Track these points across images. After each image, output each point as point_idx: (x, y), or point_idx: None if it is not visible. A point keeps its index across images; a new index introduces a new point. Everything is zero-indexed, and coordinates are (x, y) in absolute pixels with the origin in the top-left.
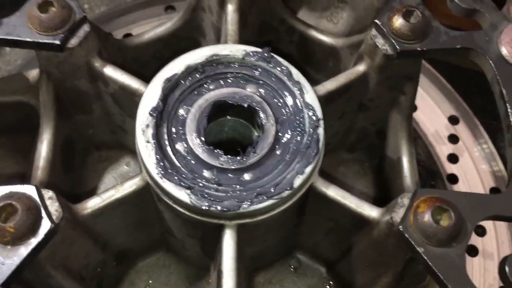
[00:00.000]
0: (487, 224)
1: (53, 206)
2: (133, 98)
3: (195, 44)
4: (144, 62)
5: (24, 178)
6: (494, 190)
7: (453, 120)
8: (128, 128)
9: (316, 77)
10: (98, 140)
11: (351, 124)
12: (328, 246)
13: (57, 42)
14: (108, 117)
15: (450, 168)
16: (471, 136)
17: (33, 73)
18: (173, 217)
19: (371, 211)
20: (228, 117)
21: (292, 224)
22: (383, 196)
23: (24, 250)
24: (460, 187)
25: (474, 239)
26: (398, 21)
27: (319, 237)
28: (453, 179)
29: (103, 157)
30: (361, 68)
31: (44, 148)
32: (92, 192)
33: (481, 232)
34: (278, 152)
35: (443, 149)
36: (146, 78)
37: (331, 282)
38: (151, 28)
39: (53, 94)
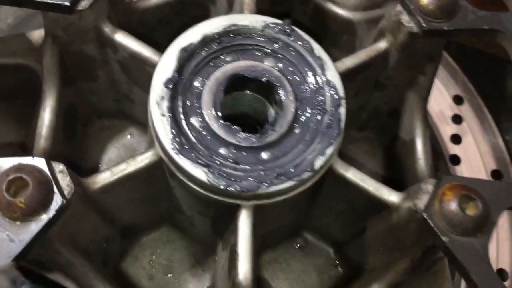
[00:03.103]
0: None
1: (65, 180)
2: (144, 66)
3: (204, 10)
4: (151, 26)
5: (23, 147)
6: (495, 173)
7: (457, 100)
8: (135, 97)
9: (329, 51)
10: (100, 108)
11: (364, 102)
12: (339, 227)
13: (67, 3)
14: (114, 85)
15: (453, 149)
16: (475, 117)
17: (35, 35)
18: (185, 195)
19: (390, 196)
20: (246, 91)
21: (306, 205)
22: (391, 175)
23: (34, 227)
24: (462, 168)
25: None
26: None
27: (330, 218)
28: (456, 160)
29: (105, 126)
30: (382, 45)
31: (47, 116)
32: (93, 162)
33: None
34: (297, 131)
35: (446, 130)
36: (152, 42)
37: (337, 262)
38: None
39: (58, 59)
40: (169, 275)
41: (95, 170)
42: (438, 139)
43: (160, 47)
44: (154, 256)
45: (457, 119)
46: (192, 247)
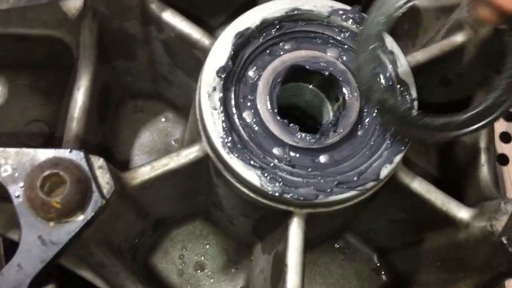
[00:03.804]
0: None
1: (104, 177)
2: (191, 49)
3: None
4: (192, 1)
5: (49, 125)
6: None
7: None
8: (174, 80)
9: None
10: (135, 88)
11: (423, 98)
12: (388, 234)
13: None
14: (153, 65)
15: (501, 147)
16: None
17: (70, 5)
18: (231, 195)
19: (459, 211)
20: (301, 83)
21: (357, 212)
22: (443, 177)
23: (70, 228)
24: (510, 169)
25: None
26: None
27: (380, 224)
28: (504, 160)
29: (139, 107)
30: (458, 38)
31: (80, 97)
32: (125, 146)
33: None
34: (359, 133)
35: (496, 126)
36: (193, 18)
37: (378, 265)
38: None
39: (97, 36)
40: (200, 272)
41: (126, 155)
42: None
43: (202, 24)
44: (184, 251)
45: (507, 116)
46: (225, 244)
